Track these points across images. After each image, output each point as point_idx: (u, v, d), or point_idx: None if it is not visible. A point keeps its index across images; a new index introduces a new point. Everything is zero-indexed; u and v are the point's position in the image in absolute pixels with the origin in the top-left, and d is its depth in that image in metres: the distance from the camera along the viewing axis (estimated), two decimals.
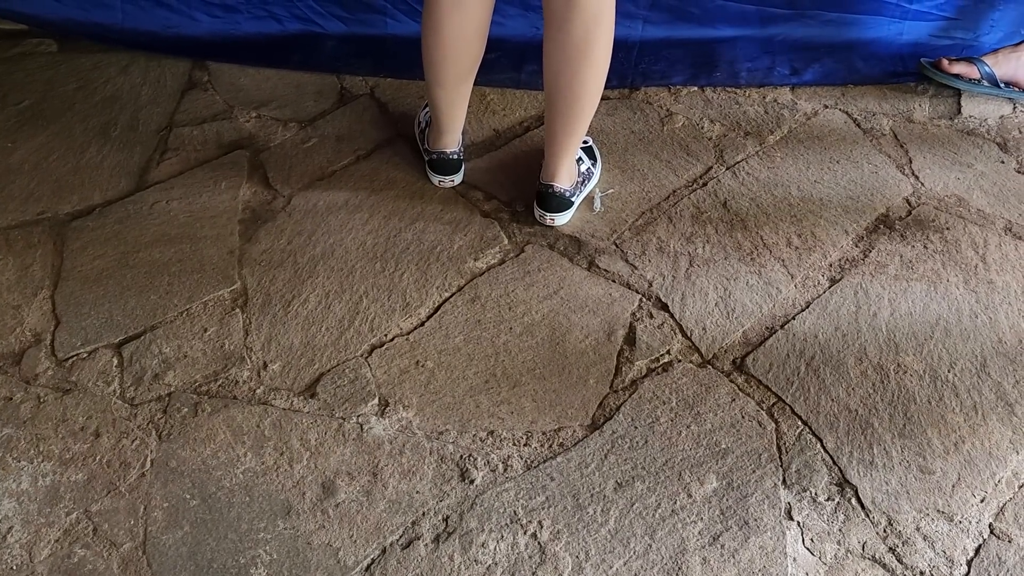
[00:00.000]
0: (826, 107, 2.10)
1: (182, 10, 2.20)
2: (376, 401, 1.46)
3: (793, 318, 1.60)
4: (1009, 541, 1.29)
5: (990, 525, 1.31)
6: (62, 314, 1.58)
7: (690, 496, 1.34)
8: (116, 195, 1.83)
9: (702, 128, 2.03)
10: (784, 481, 1.36)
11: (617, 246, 1.73)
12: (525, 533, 1.29)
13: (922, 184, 1.89)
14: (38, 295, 1.62)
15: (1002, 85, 2.10)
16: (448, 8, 1.55)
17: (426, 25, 1.60)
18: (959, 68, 2.10)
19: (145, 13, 2.20)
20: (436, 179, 1.85)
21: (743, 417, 1.44)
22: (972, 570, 1.26)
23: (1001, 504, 1.33)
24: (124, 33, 2.21)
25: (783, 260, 1.70)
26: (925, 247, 1.73)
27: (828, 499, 1.34)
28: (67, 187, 1.85)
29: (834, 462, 1.38)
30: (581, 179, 1.78)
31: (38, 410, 1.44)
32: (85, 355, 1.52)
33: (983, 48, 2.19)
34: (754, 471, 1.37)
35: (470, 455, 1.39)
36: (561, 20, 1.50)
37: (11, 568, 1.24)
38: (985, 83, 2.10)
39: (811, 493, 1.34)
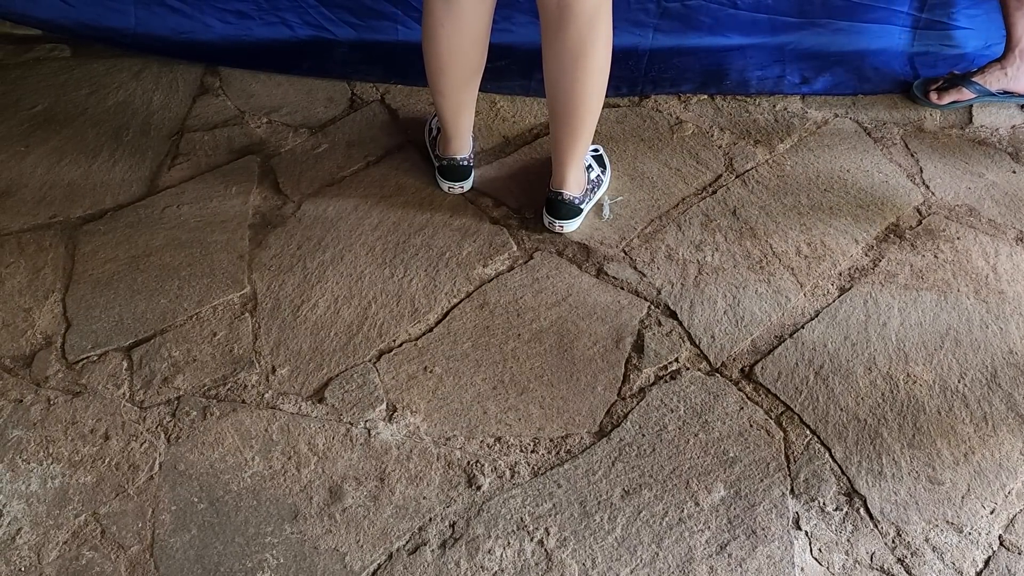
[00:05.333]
0: (836, 116, 2.10)
1: (195, 16, 2.21)
2: (384, 406, 1.46)
3: (802, 327, 1.59)
4: (1019, 553, 1.28)
5: (1000, 537, 1.30)
6: (73, 317, 1.59)
7: (697, 504, 1.33)
8: (127, 199, 1.84)
9: (712, 136, 2.03)
10: (792, 490, 1.35)
11: (626, 253, 1.73)
12: (532, 540, 1.29)
13: (932, 193, 1.88)
14: (49, 298, 1.63)
15: (996, 94, 2.10)
16: (441, 18, 1.56)
17: (423, 35, 1.61)
18: (950, 98, 2.10)
19: (158, 19, 2.21)
20: (446, 185, 1.85)
21: (751, 426, 1.44)
22: None
23: (1011, 516, 1.32)
24: (137, 38, 2.23)
25: (792, 269, 1.70)
26: (935, 257, 1.72)
27: (836, 509, 1.33)
28: (79, 191, 1.86)
29: (843, 472, 1.38)
30: (590, 186, 1.78)
31: (48, 412, 1.44)
32: (95, 358, 1.53)
33: (995, 56, 2.18)
34: (762, 480, 1.36)
35: (477, 461, 1.39)
36: (555, 28, 1.51)
37: (20, 569, 1.25)
38: (980, 98, 2.10)
39: (819, 503, 1.34)
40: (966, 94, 2.09)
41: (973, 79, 2.10)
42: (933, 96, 2.11)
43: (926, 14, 2.24)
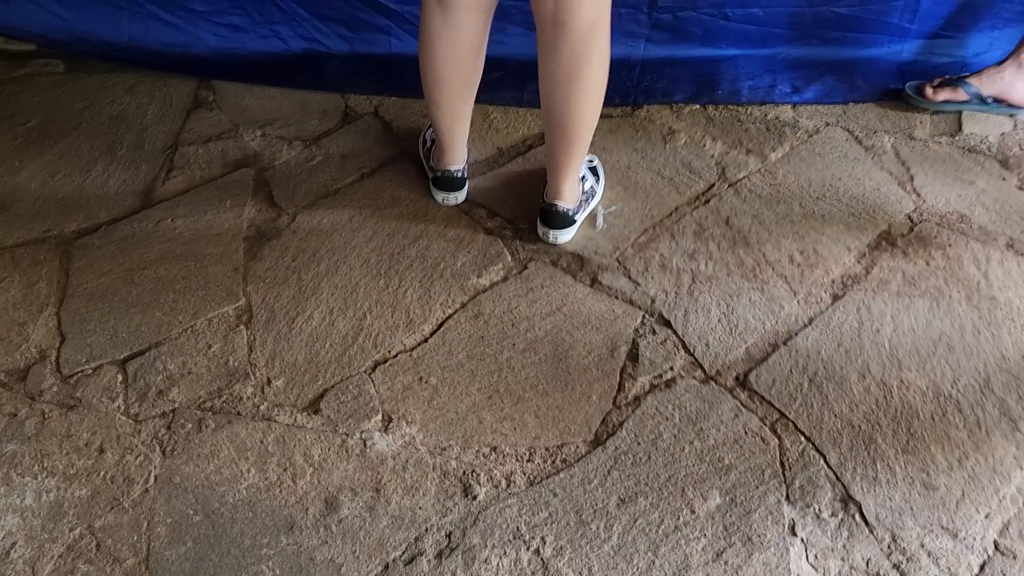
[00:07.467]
0: (827, 124, 2.11)
1: (188, 30, 2.22)
2: (379, 417, 1.46)
3: (796, 334, 1.60)
4: (1014, 558, 1.28)
5: (995, 542, 1.30)
6: (67, 331, 1.59)
7: (693, 512, 1.33)
8: (122, 213, 1.85)
9: (704, 146, 2.04)
10: (788, 497, 1.36)
11: (620, 263, 1.74)
12: (528, 549, 1.29)
13: (924, 201, 1.89)
14: (44, 312, 1.63)
15: (989, 101, 2.11)
16: (438, 31, 1.57)
17: (420, 47, 1.62)
18: (944, 95, 2.12)
19: (152, 32, 2.22)
20: (440, 196, 1.86)
21: (746, 433, 1.44)
22: None
23: (1006, 520, 1.33)
24: (131, 52, 2.23)
25: (786, 277, 1.71)
26: (927, 264, 1.73)
27: (832, 515, 1.33)
28: (73, 205, 1.86)
29: (837, 478, 1.38)
30: (584, 197, 1.79)
31: (43, 426, 1.44)
32: (90, 371, 1.53)
33: (983, 66, 2.20)
34: (757, 487, 1.36)
35: (473, 471, 1.39)
36: (550, 44, 1.51)
37: None
38: (974, 102, 2.12)
39: (815, 509, 1.34)
40: (960, 94, 2.11)
41: (968, 80, 2.11)
42: (928, 92, 2.12)
43: (916, 24, 2.26)
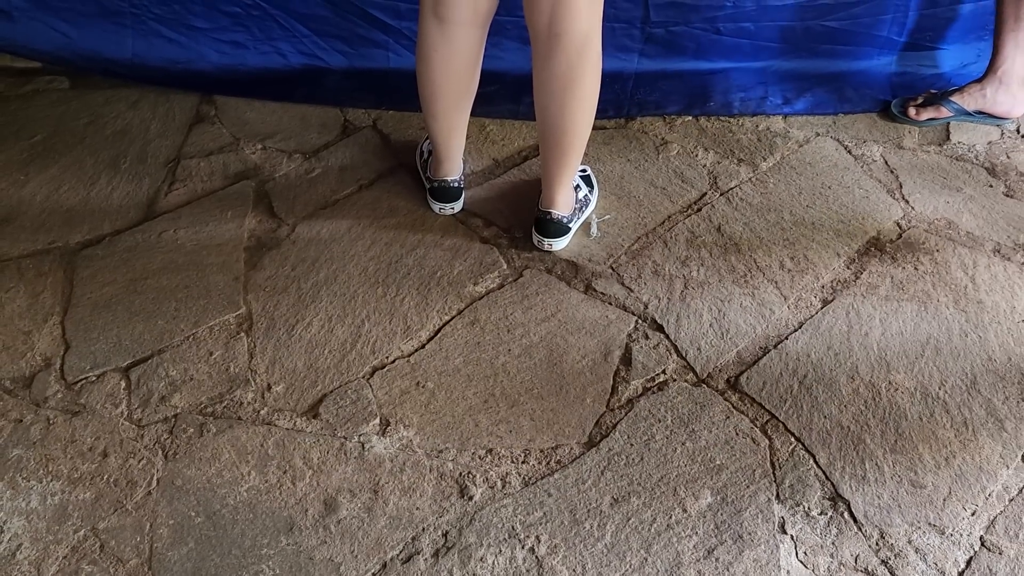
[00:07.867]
0: (818, 135, 2.15)
1: (191, 46, 2.26)
2: (377, 421, 1.49)
3: (786, 338, 1.63)
4: (1000, 553, 1.31)
5: (981, 538, 1.33)
6: (71, 339, 1.62)
7: (685, 511, 1.36)
8: (125, 225, 1.88)
9: (696, 156, 2.08)
10: (778, 496, 1.38)
11: (613, 270, 1.77)
12: (523, 548, 1.31)
13: (912, 208, 1.93)
14: (48, 321, 1.66)
15: (972, 113, 2.15)
16: (435, 43, 1.61)
17: (417, 59, 1.66)
18: (928, 114, 2.16)
19: (155, 50, 2.26)
20: (437, 207, 1.89)
21: (737, 434, 1.47)
22: None
23: (992, 517, 1.35)
24: (134, 69, 2.28)
25: (776, 282, 1.74)
26: (916, 269, 1.76)
27: (821, 513, 1.36)
28: (77, 217, 1.90)
29: (827, 477, 1.40)
30: (579, 206, 1.83)
31: (47, 432, 1.47)
32: (94, 378, 1.56)
33: (970, 77, 2.24)
34: (748, 486, 1.39)
35: (469, 472, 1.41)
36: (545, 55, 1.56)
37: None
38: (958, 118, 2.16)
39: (804, 507, 1.36)
40: (944, 112, 2.15)
41: (951, 98, 2.15)
42: (912, 112, 2.16)
43: (905, 37, 2.30)
